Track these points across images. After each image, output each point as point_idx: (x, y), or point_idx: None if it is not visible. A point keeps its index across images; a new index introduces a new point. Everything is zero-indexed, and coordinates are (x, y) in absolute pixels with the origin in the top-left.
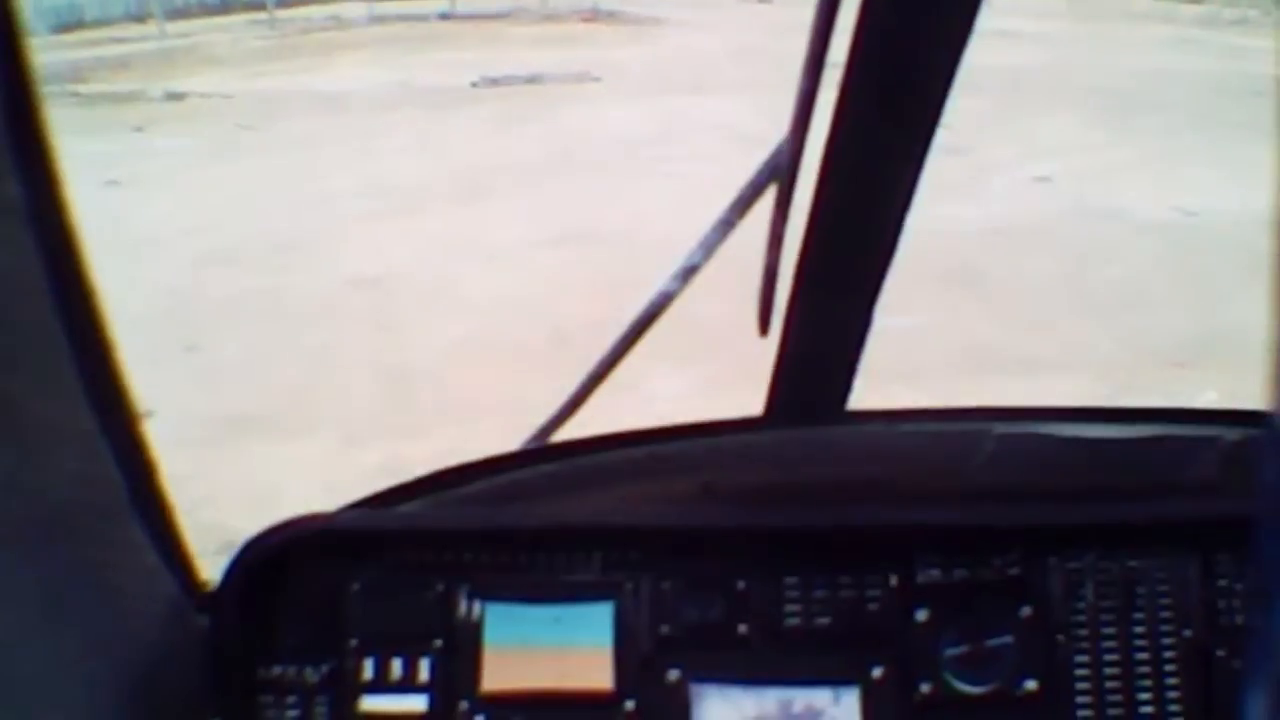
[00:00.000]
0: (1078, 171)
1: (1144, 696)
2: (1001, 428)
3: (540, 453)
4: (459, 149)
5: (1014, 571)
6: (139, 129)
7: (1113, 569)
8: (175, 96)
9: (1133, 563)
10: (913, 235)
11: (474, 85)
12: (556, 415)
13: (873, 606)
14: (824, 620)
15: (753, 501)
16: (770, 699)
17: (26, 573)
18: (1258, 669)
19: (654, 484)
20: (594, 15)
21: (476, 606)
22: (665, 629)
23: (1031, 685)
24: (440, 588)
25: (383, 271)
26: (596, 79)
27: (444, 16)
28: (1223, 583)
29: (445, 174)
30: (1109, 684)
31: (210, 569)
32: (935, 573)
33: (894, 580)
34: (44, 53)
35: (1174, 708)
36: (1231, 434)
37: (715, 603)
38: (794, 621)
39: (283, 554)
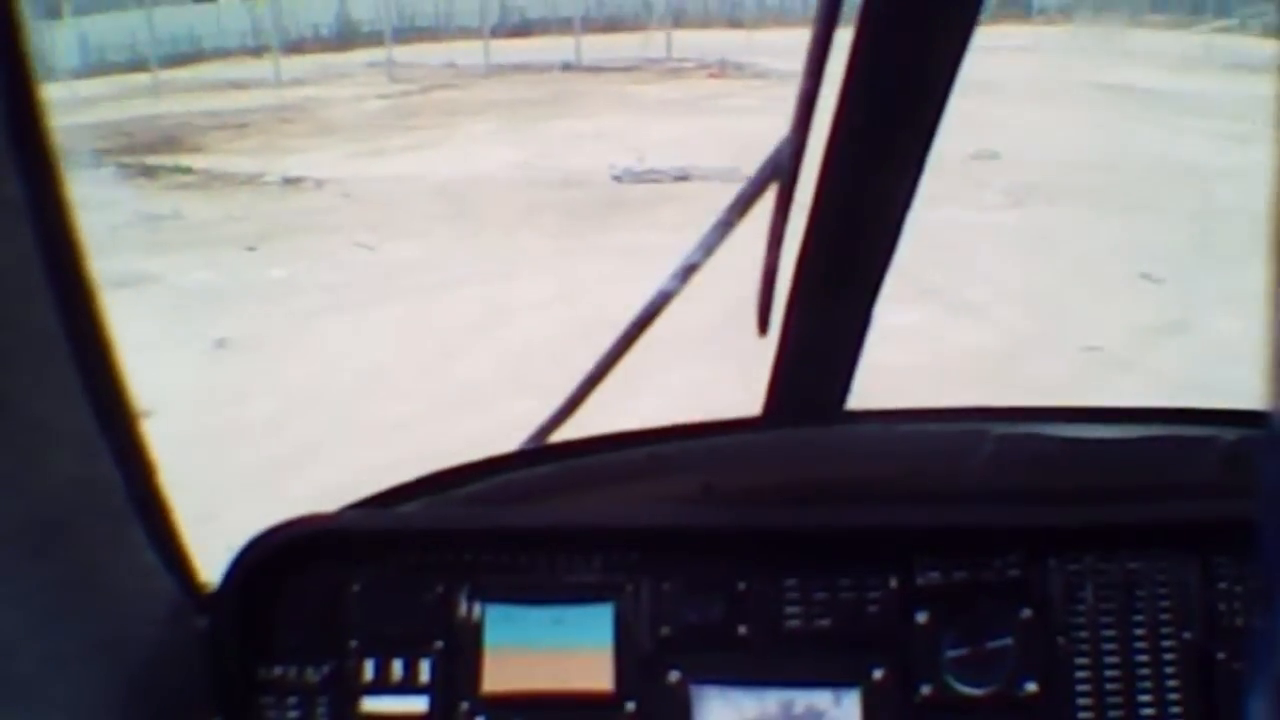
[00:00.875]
0: None
1: (1144, 699)
2: (1000, 428)
3: (539, 453)
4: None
5: (1014, 573)
6: (252, 249)
7: (1112, 571)
8: (292, 182)
9: (1132, 564)
10: None
11: (617, 179)
12: (556, 415)
13: (873, 608)
14: (824, 622)
15: (752, 502)
16: (771, 700)
17: (26, 573)
18: (1260, 671)
19: (654, 484)
20: (721, 70)
21: (477, 607)
22: (665, 630)
23: (1032, 687)
24: (440, 589)
25: None
26: (744, 178)
27: (566, 67)
28: (1223, 584)
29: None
30: (1109, 686)
31: (210, 570)
32: (935, 574)
33: (894, 582)
34: (159, 97)
35: (1174, 710)
36: (1231, 434)
37: (715, 604)
38: (794, 623)
39: (283, 555)
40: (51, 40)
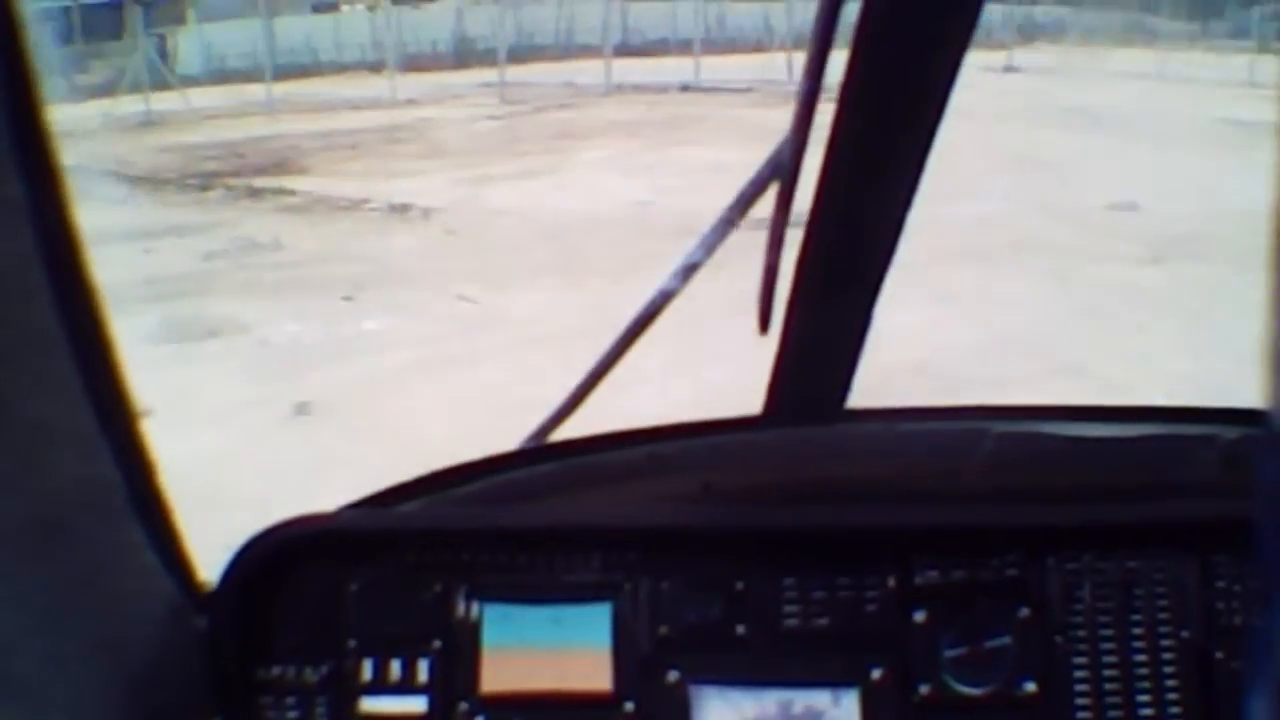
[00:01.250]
0: None
1: (1143, 698)
2: (1000, 427)
3: (539, 453)
4: None
5: (1012, 572)
6: (348, 298)
7: (1111, 570)
8: (398, 210)
9: (1131, 563)
10: None
11: (740, 228)
12: (555, 415)
13: (871, 607)
14: (823, 621)
15: (752, 501)
16: (770, 700)
17: (26, 573)
18: (1259, 670)
19: (653, 484)
20: None
21: (475, 607)
22: (664, 630)
23: (1030, 687)
24: (439, 588)
25: None
26: None
27: (685, 88)
28: (1221, 584)
29: None
30: (1108, 685)
31: (209, 570)
32: (933, 574)
33: (892, 581)
34: (274, 116)
35: (1173, 709)
36: (1231, 434)
37: (714, 603)
38: (793, 622)
39: (281, 554)
40: (174, 46)
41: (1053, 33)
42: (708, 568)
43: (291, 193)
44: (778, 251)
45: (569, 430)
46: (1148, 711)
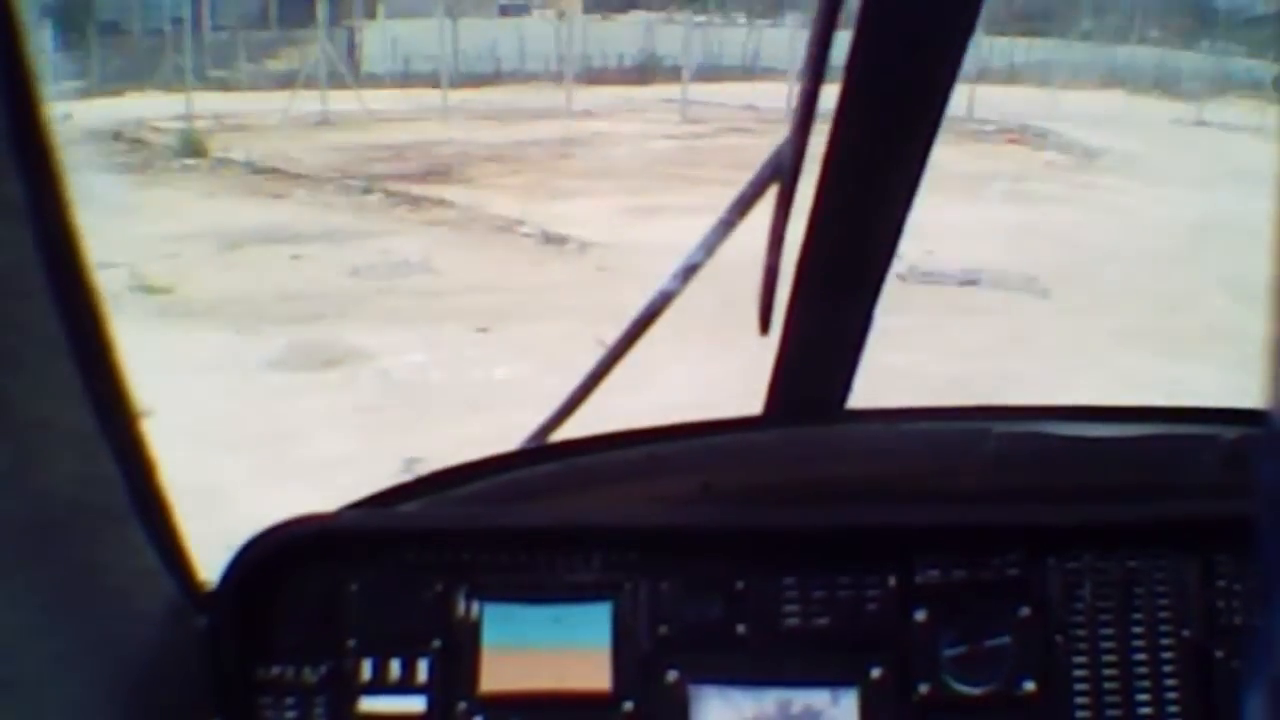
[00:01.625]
0: None
1: (1142, 697)
2: (1001, 427)
3: (539, 453)
4: None
5: (1013, 572)
6: (483, 330)
7: (1111, 569)
8: (554, 240)
9: (1131, 563)
10: None
11: (902, 278)
12: (556, 415)
13: (871, 607)
14: (822, 621)
15: (752, 501)
16: (769, 700)
17: (26, 573)
18: (1258, 670)
19: (653, 484)
20: (1021, 136)
21: (475, 607)
22: (664, 629)
23: (1030, 686)
24: (439, 588)
25: None
26: (1043, 292)
27: None
28: (1222, 583)
29: None
30: (1107, 684)
31: (209, 569)
32: (934, 573)
33: (893, 581)
34: (447, 122)
35: (1173, 709)
36: (1231, 434)
37: (714, 603)
38: (793, 622)
39: (282, 554)
40: (362, 41)
41: (1246, 85)
42: (708, 567)
43: (450, 205)
44: (778, 252)
45: (569, 430)
46: (1147, 710)
